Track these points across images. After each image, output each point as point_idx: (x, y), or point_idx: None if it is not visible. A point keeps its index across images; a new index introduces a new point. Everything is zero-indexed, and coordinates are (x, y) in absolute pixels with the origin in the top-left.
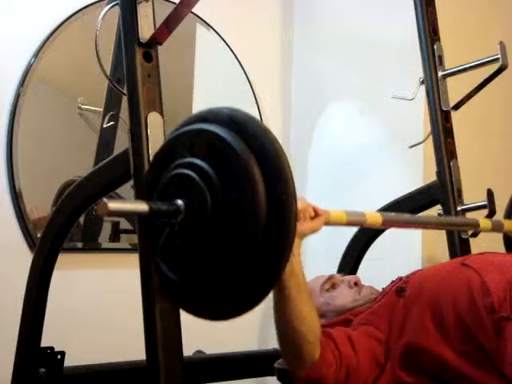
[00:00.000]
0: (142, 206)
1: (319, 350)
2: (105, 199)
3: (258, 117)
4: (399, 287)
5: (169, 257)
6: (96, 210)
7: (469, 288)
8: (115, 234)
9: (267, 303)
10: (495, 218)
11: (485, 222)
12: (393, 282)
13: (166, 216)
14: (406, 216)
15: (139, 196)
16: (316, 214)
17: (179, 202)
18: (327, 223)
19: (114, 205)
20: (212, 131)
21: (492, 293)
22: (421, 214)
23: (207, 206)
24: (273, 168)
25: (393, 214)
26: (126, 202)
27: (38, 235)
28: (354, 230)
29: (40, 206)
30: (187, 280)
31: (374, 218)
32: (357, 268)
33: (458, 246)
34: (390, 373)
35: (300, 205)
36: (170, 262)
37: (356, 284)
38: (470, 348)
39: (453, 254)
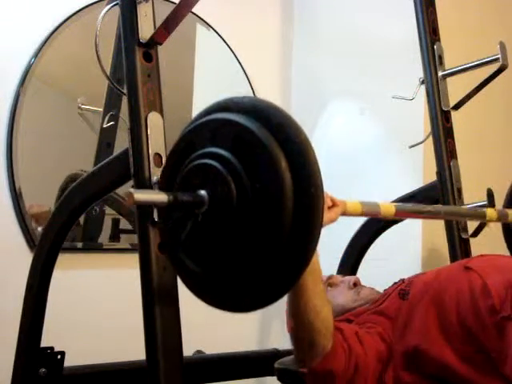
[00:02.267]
0: (167, 197)
1: (332, 343)
2: (131, 189)
3: None
4: (402, 290)
5: (192, 249)
6: (123, 200)
7: (471, 291)
8: (115, 234)
9: None
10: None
11: (491, 212)
12: (395, 283)
13: (190, 207)
14: (417, 206)
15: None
16: (334, 204)
17: (203, 192)
18: (343, 214)
19: (140, 195)
20: (236, 121)
21: (493, 294)
22: None
23: (232, 196)
24: (300, 159)
25: (405, 204)
26: (151, 193)
27: (38, 235)
28: (354, 229)
29: (40, 201)
30: (211, 273)
31: (388, 208)
32: (357, 268)
33: (458, 246)
34: (392, 371)
35: None
36: (194, 254)
37: (355, 285)
38: (471, 350)
39: (453, 254)
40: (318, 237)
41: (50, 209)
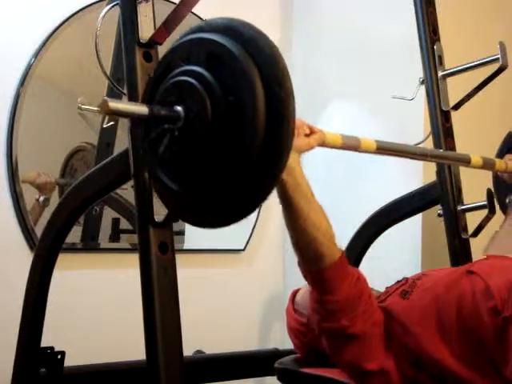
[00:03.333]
0: (143, 109)
1: (339, 254)
2: (106, 98)
3: None
4: (404, 291)
5: (168, 165)
6: (98, 110)
7: (473, 294)
8: (115, 234)
9: (266, 304)
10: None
11: (476, 159)
12: (398, 281)
13: (166, 121)
14: (400, 145)
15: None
16: (311, 131)
17: (178, 107)
18: (322, 144)
19: (114, 104)
20: (208, 38)
21: (495, 295)
22: (420, 214)
23: (207, 111)
24: (271, 69)
25: (387, 142)
26: (128, 104)
27: (38, 234)
28: (355, 228)
29: (47, 171)
30: (187, 188)
31: (368, 144)
32: (357, 267)
33: (458, 245)
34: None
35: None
36: (170, 170)
37: None
38: (472, 353)
39: (453, 253)
40: (291, 140)
41: (55, 180)
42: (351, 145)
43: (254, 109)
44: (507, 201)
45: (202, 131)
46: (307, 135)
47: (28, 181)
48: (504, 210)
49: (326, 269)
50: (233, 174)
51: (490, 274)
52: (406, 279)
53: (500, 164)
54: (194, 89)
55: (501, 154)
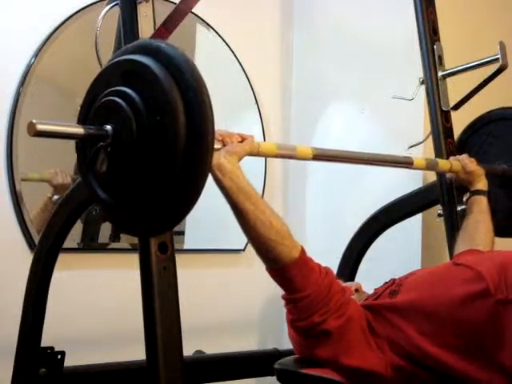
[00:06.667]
0: (72, 129)
1: (299, 251)
2: (34, 120)
3: (258, 117)
4: (392, 290)
5: (101, 178)
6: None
7: (462, 282)
8: (115, 234)
9: (266, 304)
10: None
11: (419, 161)
12: (386, 283)
13: (96, 140)
14: (337, 150)
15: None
16: (242, 138)
17: (108, 126)
18: (257, 153)
19: (43, 126)
20: (138, 60)
21: (486, 278)
22: (420, 214)
23: (132, 130)
24: (192, 95)
25: (324, 148)
26: (57, 125)
27: (38, 235)
28: (355, 229)
29: (65, 170)
30: (115, 199)
31: (305, 151)
32: (356, 268)
33: None
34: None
35: (223, 132)
36: (103, 183)
37: (357, 290)
38: (464, 343)
39: (453, 253)
40: (211, 152)
41: (72, 181)
42: (287, 153)
43: (175, 125)
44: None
45: (128, 149)
46: (240, 142)
47: (45, 179)
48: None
49: (287, 267)
50: (155, 187)
51: (477, 263)
52: (393, 280)
53: (444, 164)
54: (122, 109)
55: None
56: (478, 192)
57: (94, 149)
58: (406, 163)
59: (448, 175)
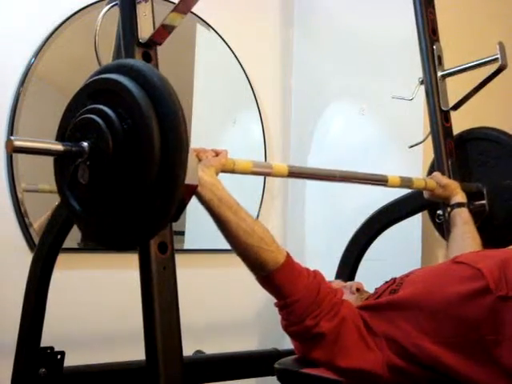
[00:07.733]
0: (51, 146)
1: (284, 256)
2: (12, 137)
3: (258, 117)
4: (392, 289)
5: (78, 193)
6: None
7: (461, 280)
8: None
9: (266, 304)
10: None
11: (394, 178)
12: (386, 282)
13: (73, 156)
14: (313, 168)
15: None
16: (216, 153)
17: (84, 143)
18: (233, 170)
19: (21, 143)
20: (115, 79)
21: (486, 275)
22: (420, 214)
23: (109, 147)
24: (168, 116)
25: (300, 166)
26: (35, 141)
27: (38, 235)
28: (355, 229)
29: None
30: (91, 213)
31: (281, 169)
32: (356, 268)
33: None
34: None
35: (197, 148)
36: (79, 197)
37: (358, 290)
38: (463, 340)
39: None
40: (185, 169)
41: None
42: (262, 170)
43: (150, 140)
44: (438, 214)
45: (104, 165)
46: (215, 156)
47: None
48: (436, 225)
49: (274, 273)
50: (132, 199)
51: (476, 261)
52: (393, 279)
53: (419, 182)
54: (98, 126)
55: (429, 173)
56: (459, 205)
57: (73, 166)
58: (380, 181)
59: (425, 194)
